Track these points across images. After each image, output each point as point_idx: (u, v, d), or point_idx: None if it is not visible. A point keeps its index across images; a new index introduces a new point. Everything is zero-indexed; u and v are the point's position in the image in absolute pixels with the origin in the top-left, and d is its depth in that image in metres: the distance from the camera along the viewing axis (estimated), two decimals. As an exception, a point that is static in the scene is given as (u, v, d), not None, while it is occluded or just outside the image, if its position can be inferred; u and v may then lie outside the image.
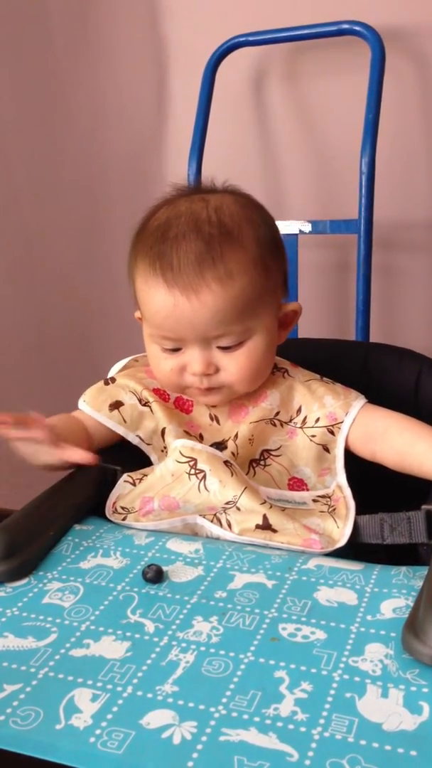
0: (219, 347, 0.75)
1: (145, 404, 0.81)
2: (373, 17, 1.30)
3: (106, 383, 0.83)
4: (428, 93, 1.41)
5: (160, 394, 0.82)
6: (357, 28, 1.29)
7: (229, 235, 0.72)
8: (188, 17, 1.49)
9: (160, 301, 0.73)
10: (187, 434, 0.79)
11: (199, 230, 0.72)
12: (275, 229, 0.79)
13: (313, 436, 0.80)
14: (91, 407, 0.81)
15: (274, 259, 0.77)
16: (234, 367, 0.76)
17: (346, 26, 1.30)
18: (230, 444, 0.78)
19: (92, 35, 1.55)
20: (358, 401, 0.81)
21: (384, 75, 1.28)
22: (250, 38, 1.37)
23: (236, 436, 0.78)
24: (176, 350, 0.76)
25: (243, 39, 1.38)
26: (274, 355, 0.81)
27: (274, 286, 0.77)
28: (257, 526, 0.71)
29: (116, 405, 0.81)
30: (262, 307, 0.75)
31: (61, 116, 1.58)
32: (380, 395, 0.85)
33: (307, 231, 1.33)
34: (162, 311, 0.73)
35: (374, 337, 1.34)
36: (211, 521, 0.73)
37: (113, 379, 0.83)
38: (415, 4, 1.35)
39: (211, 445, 0.78)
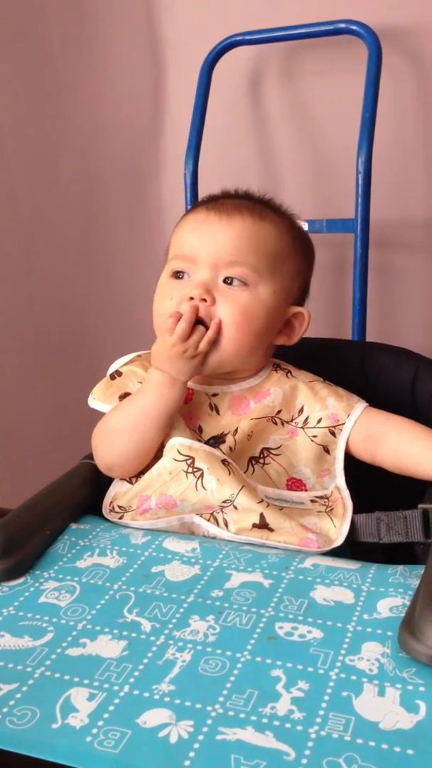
0: (225, 280, 0.77)
1: None
2: (370, 17, 1.30)
3: (113, 377, 0.82)
4: (424, 92, 1.41)
5: None
6: (354, 27, 1.29)
7: (273, 208, 0.82)
8: (185, 16, 1.49)
9: (193, 217, 0.80)
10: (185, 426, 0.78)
11: (249, 197, 0.83)
12: (311, 246, 0.86)
13: (314, 436, 0.80)
14: (101, 401, 0.80)
15: (301, 254, 0.83)
16: (231, 304, 0.76)
17: (342, 25, 1.30)
18: (229, 438, 0.78)
19: (89, 34, 1.54)
20: (360, 404, 0.82)
21: (380, 74, 1.28)
22: (247, 37, 1.37)
23: (236, 431, 0.78)
24: (183, 278, 0.78)
25: (240, 38, 1.37)
26: (266, 342, 0.81)
27: (293, 272, 0.81)
28: (254, 525, 0.71)
29: (126, 396, 0.80)
30: (276, 269, 0.79)
31: (58, 115, 1.58)
32: (377, 395, 0.86)
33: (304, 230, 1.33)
34: (191, 225, 0.79)
35: (371, 336, 1.34)
36: (208, 520, 0.73)
37: (119, 373, 0.83)
38: (412, 3, 1.35)
39: (210, 438, 0.78)
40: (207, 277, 0.77)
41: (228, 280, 0.77)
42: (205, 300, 0.75)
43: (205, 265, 0.77)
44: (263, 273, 0.77)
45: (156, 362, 0.76)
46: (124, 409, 0.77)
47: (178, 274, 0.79)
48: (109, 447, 0.77)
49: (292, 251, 0.81)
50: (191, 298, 0.75)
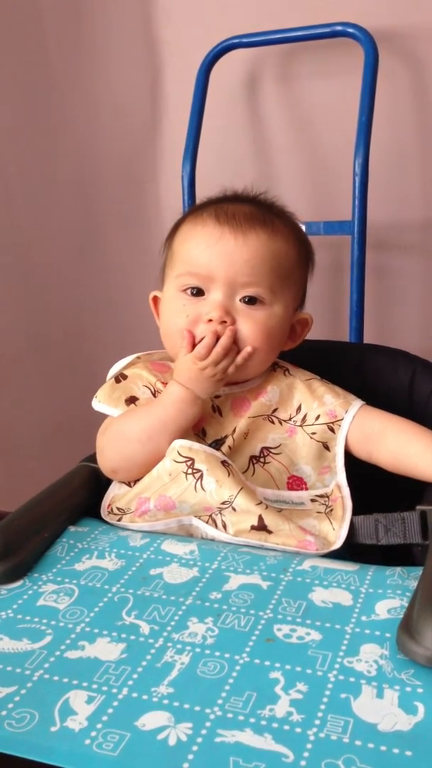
0: (242, 299, 0.77)
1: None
2: (366, 19, 1.30)
3: (117, 380, 0.82)
4: (421, 95, 1.41)
5: None
6: (350, 30, 1.29)
7: (279, 216, 0.81)
8: (182, 19, 1.49)
9: (207, 233, 0.77)
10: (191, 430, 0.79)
11: (255, 202, 0.82)
12: (312, 249, 0.86)
13: (314, 433, 0.80)
14: (107, 405, 0.80)
15: (305, 261, 0.84)
16: (250, 323, 0.77)
17: (339, 28, 1.30)
18: (228, 439, 0.78)
19: (86, 38, 1.55)
20: (357, 401, 0.82)
21: (377, 77, 1.28)
22: (244, 40, 1.37)
23: (234, 430, 0.79)
24: (198, 295, 0.78)
25: (237, 41, 1.38)
26: (278, 351, 0.83)
27: (300, 281, 0.83)
28: (252, 527, 0.71)
29: (132, 400, 0.80)
30: (288, 285, 0.80)
31: (56, 117, 1.58)
32: (374, 396, 0.86)
33: (301, 232, 1.33)
34: (204, 242, 0.77)
35: (368, 338, 1.34)
36: (206, 522, 0.73)
37: (124, 376, 0.82)
38: (408, 6, 1.35)
39: (214, 441, 0.78)
40: (224, 298, 0.77)
41: (245, 299, 0.77)
42: (225, 321, 0.76)
43: (221, 284, 0.77)
44: (277, 290, 0.78)
45: (180, 378, 0.76)
46: (140, 417, 0.77)
47: (192, 291, 0.78)
48: (119, 451, 0.77)
49: (299, 261, 0.82)
50: (210, 320, 0.76)
